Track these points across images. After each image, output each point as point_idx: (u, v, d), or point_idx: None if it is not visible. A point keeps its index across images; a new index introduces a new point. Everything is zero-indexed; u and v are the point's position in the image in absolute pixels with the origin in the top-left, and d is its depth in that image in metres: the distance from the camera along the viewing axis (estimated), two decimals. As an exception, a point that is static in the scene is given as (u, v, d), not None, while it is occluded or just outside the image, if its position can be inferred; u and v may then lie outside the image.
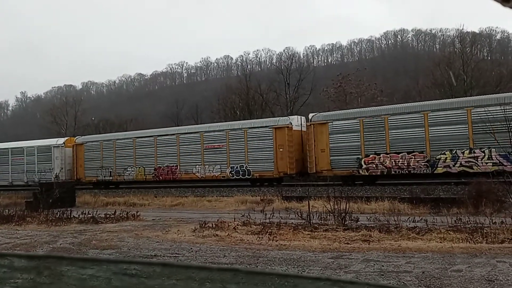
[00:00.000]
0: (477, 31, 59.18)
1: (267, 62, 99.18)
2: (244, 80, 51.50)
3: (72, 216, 15.23)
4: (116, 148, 28.89)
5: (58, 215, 15.45)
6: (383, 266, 7.37)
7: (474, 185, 15.30)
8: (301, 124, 24.31)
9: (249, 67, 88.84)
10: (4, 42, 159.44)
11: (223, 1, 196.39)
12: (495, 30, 78.96)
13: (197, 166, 25.49)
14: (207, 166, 25.12)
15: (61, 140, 32.00)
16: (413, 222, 11.60)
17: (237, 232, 11.10)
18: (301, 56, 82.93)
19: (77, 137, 32.54)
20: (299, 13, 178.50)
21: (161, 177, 26.91)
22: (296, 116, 25.96)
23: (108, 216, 15.01)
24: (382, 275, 6.81)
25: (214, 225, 11.82)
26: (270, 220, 12.39)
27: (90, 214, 15.22)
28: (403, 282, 6.41)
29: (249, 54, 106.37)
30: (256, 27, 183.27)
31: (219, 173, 24.74)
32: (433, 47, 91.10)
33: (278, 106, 48.44)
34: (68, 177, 29.85)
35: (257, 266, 7.71)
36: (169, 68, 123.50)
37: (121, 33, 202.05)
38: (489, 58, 61.22)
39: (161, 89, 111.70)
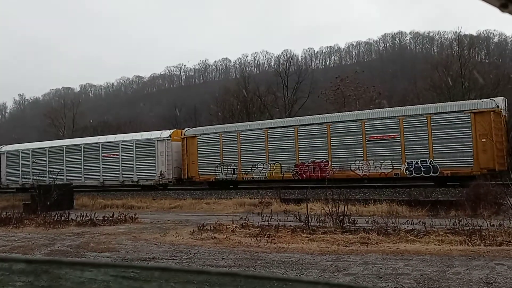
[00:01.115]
0: (475, 34, 59.33)
1: (266, 65, 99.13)
2: (242, 82, 51.51)
3: (70, 219, 15.19)
4: (242, 141, 24.51)
5: (56, 217, 15.42)
6: (381, 268, 7.37)
7: (472, 187, 15.32)
8: (505, 107, 19.61)
9: (247, 69, 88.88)
10: (1, 45, 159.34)
11: (222, 4, 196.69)
12: (493, 33, 79.18)
13: (357, 162, 21.24)
14: (372, 162, 20.84)
15: (166, 133, 27.51)
16: (411, 224, 11.60)
17: (235, 234, 11.09)
18: (300, 58, 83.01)
19: (187, 128, 27.91)
20: (298, 16, 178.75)
21: (304, 175, 22.64)
22: (501, 97, 20.81)
23: (106, 218, 14.99)
24: (381, 277, 6.81)
25: (212, 228, 11.81)
26: (269, 222, 12.40)
27: (88, 216, 15.19)
28: (402, 285, 6.41)
29: (247, 56, 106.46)
30: (254, 30, 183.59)
31: (390, 170, 20.60)
32: (431, 49, 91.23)
33: (276, 108, 48.44)
34: (175, 175, 26.60)
35: (255, 269, 7.70)
36: (167, 71, 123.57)
37: (119, 35, 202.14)
38: (486, 60, 61.30)
39: (159, 92, 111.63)
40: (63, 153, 30.74)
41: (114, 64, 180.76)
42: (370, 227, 11.07)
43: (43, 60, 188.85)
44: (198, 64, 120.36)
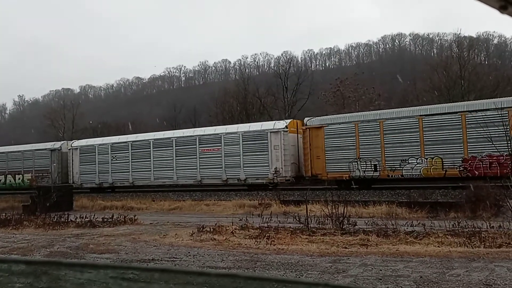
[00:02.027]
0: (475, 36, 59.41)
1: (265, 66, 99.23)
2: (242, 84, 51.56)
3: (69, 220, 15.18)
4: (385, 131, 20.59)
5: (56, 219, 15.41)
6: (381, 270, 7.36)
7: (472, 189, 15.32)
8: None
9: (247, 71, 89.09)
10: (1, 46, 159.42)
11: (221, 5, 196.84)
12: (492, 35, 79.30)
13: None
14: None
15: (281, 124, 24.11)
16: (411, 226, 11.60)
17: (235, 236, 11.09)
18: (299, 60, 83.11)
19: (309, 118, 23.86)
20: (298, 17, 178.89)
21: (476, 172, 18.66)
22: None
23: (105, 220, 14.98)
24: (380, 279, 6.81)
25: (212, 229, 11.80)
26: (268, 224, 12.39)
27: (87, 218, 15.18)
28: (401, 287, 6.40)
29: (247, 58, 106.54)
30: (254, 31, 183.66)
31: None
32: (430, 51, 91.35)
33: (276, 110, 48.48)
34: (293, 173, 23.25)
35: (254, 271, 7.69)
36: (167, 72, 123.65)
37: (119, 37, 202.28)
38: (486, 62, 61.39)
39: (159, 93, 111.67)
40: (149, 148, 27.04)
41: (114, 65, 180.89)
42: (370, 229, 11.07)
43: (42, 61, 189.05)
44: (198, 65, 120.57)
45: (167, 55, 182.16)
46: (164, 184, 26.78)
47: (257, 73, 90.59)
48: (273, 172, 22.98)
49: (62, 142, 32.27)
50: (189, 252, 9.47)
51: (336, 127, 21.93)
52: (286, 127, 23.36)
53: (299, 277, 7.12)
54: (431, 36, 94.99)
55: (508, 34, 78.39)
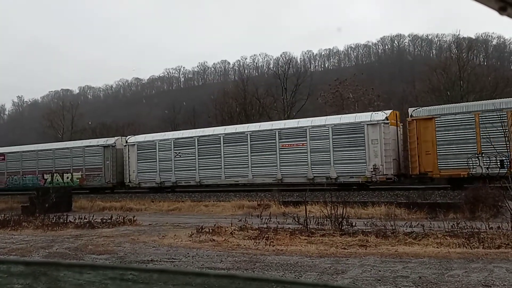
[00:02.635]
0: (474, 37, 59.47)
1: (264, 67, 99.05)
2: (241, 84, 51.57)
3: (68, 221, 15.18)
4: None
5: (54, 220, 15.42)
6: (380, 271, 7.37)
7: (471, 190, 15.34)
8: None
9: (246, 71, 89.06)
10: (0, 47, 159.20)
11: (221, 6, 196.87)
12: (491, 36, 79.16)
13: None
14: None
15: (379, 115, 21.33)
16: (410, 227, 11.62)
17: (234, 237, 11.09)
18: (298, 61, 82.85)
19: (415, 108, 21.17)
20: (297, 18, 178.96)
21: None
22: None
23: (104, 221, 14.98)
24: (379, 280, 6.81)
25: (211, 230, 11.81)
26: (267, 225, 12.39)
27: (86, 219, 15.18)
28: None
29: (246, 59, 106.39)
30: (253, 32, 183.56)
31: None
32: (429, 52, 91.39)
33: (275, 111, 48.49)
34: (394, 170, 20.67)
35: (254, 271, 7.69)
36: (166, 73, 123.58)
37: (119, 38, 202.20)
38: (485, 63, 61.44)
39: (158, 94, 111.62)
40: (219, 144, 24.57)
41: (113, 66, 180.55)
42: (369, 230, 11.08)
43: (41, 62, 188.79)
44: (197, 66, 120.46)
45: (166, 56, 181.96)
46: (237, 183, 24.42)
47: (256, 74, 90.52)
48: (371, 170, 20.50)
49: (117, 138, 29.77)
50: (188, 253, 9.46)
51: (450, 118, 19.47)
52: (387, 118, 20.83)
53: (298, 278, 7.12)
54: (430, 37, 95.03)
55: (507, 35, 78.36)
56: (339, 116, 23.54)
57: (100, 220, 15.03)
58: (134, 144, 27.65)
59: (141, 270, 0.88)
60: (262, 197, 20.55)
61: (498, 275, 6.87)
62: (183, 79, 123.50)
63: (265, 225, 12.29)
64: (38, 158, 31.43)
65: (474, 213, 13.78)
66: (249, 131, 24.01)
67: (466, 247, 8.93)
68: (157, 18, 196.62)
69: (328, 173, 21.60)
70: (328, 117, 23.97)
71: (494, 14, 0.95)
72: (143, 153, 27.18)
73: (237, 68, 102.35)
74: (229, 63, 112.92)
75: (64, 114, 62.19)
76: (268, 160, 23.09)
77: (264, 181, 23.45)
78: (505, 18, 0.95)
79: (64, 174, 30.05)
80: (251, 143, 23.57)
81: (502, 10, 0.93)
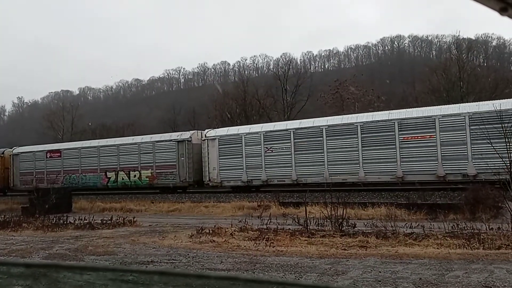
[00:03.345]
0: (473, 38, 59.58)
1: (264, 68, 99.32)
2: (241, 85, 51.59)
3: (68, 222, 15.19)
4: None
5: (54, 221, 15.42)
6: (380, 272, 7.36)
7: (471, 191, 15.33)
8: None
9: (246, 72, 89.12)
10: (0, 47, 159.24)
11: (220, 7, 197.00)
12: (491, 37, 79.31)
13: None
14: None
15: None
16: (410, 228, 11.61)
17: (234, 238, 11.08)
18: (298, 62, 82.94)
19: None
20: (297, 19, 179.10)
21: None
22: None
23: (104, 222, 14.98)
24: (379, 281, 6.80)
25: (211, 231, 11.80)
26: (267, 226, 12.39)
27: (86, 220, 15.18)
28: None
29: (246, 60, 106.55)
30: (253, 33, 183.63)
31: None
32: (429, 53, 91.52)
33: (275, 111, 48.53)
34: None
35: (254, 272, 7.69)
36: (166, 74, 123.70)
37: (118, 38, 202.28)
38: (485, 64, 61.49)
39: (158, 95, 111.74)
40: (321, 137, 21.66)
41: (113, 67, 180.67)
42: (369, 231, 11.07)
43: (42, 63, 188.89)
44: (197, 67, 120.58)
45: (166, 57, 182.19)
46: (345, 182, 21.08)
47: (256, 75, 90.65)
48: None
49: (193, 132, 27.11)
50: (188, 254, 9.46)
51: None
52: None
53: (298, 279, 7.11)
54: (430, 38, 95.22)
55: (506, 36, 78.47)
56: (476, 103, 20.30)
57: (100, 221, 15.02)
58: (215, 138, 24.74)
59: (141, 272, 0.88)
60: (262, 198, 20.55)
61: (498, 276, 6.87)
62: (183, 80, 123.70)
63: (265, 226, 12.29)
64: (100, 155, 28.57)
65: (474, 214, 13.77)
66: (359, 122, 21.02)
67: (466, 248, 8.92)
68: (157, 19, 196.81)
69: (466, 169, 18.53)
70: (461, 105, 21.07)
71: (494, 15, 0.95)
72: (225, 148, 24.28)
73: (237, 69, 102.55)
74: (229, 64, 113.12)
75: (64, 115, 62.24)
76: (385, 155, 20.14)
77: (380, 179, 20.44)
78: (505, 19, 0.95)
79: (131, 172, 27.25)
80: (362, 135, 20.60)
81: (503, 11, 0.93)
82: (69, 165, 29.76)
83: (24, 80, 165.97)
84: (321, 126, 21.85)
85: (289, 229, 11.64)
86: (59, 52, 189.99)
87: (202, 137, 25.49)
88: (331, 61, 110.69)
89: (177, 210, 20.76)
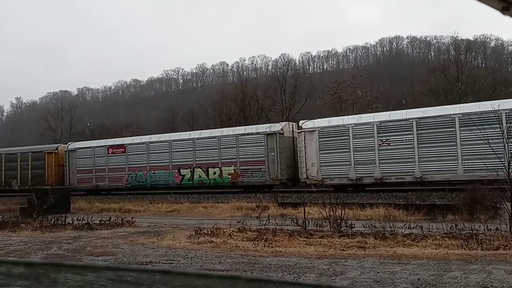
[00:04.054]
0: (472, 39, 59.63)
1: (263, 69, 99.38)
2: (240, 86, 51.59)
3: (66, 223, 15.17)
4: None
5: (53, 221, 15.38)
6: (378, 273, 7.37)
7: (469, 191, 15.34)
8: None
9: (245, 73, 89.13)
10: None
11: (219, 8, 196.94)
12: (490, 38, 79.52)
13: None
14: None
15: None
16: (408, 228, 11.62)
17: (232, 238, 11.08)
18: (297, 62, 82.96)
19: None
20: (295, 20, 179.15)
21: None
22: None
23: (103, 222, 14.95)
24: (378, 282, 6.81)
25: (209, 232, 11.80)
26: (266, 226, 12.38)
27: (84, 220, 15.16)
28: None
29: (245, 60, 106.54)
30: (252, 34, 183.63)
31: None
32: (428, 54, 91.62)
33: (274, 112, 48.53)
34: None
35: (252, 273, 7.68)
36: (165, 74, 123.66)
37: (116, 39, 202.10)
38: (483, 65, 61.60)
39: (156, 95, 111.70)
40: (453, 127, 18.79)
41: (111, 68, 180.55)
42: (367, 231, 11.08)
43: (40, 64, 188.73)
44: (196, 67, 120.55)
45: (165, 58, 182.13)
46: (482, 179, 16.19)
47: (255, 75, 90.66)
48: None
49: (284, 123, 24.33)
50: (186, 255, 9.46)
51: None
52: None
53: (297, 279, 7.11)
54: (428, 39, 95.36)
55: (505, 37, 78.67)
56: None
57: (98, 222, 15.00)
58: (314, 130, 21.72)
59: (142, 271, 0.88)
60: (260, 199, 20.56)
61: (496, 276, 6.88)
62: (181, 80, 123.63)
63: (263, 227, 12.28)
64: (171, 150, 25.73)
65: (473, 214, 13.79)
66: (504, 110, 17.57)
67: (464, 249, 8.93)
68: (156, 20, 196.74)
69: None
70: None
71: (496, 14, 0.95)
72: (327, 141, 21.28)
73: (235, 69, 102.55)
74: (227, 64, 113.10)
75: (62, 116, 62.18)
76: None
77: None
78: (507, 18, 0.95)
79: (210, 169, 24.48)
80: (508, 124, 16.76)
81: (505, 10, 0.93)
82: (135, 162, 26.92)
83: (22, 80, 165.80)
84: (453, 114, 18.99)
85: (288, 229, 11.64)
86: (57, 53, 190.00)
87: (294, 129, 23.36)
88: (330, 62, 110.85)
89: (175, 211, 20.74)
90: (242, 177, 23.57)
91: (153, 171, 26.22)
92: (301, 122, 23.06)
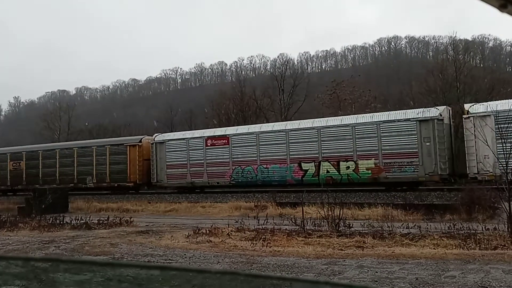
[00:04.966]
0: (470, 39, 59.78)
1: (261, 68, 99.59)
2: (238, 86, 51.55)
3: (64, 222, 15.15)
4: None
5: (51, 221, 15.36)
6: (376, 272, 7.37)
7: (467, 191, 15.36)
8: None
9: (243, 73, 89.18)
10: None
11: (218, 8, 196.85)
12: (488, 38, 79.79)
13: None
14: None
15: None
16: (406, 228, 11.63)
17: (231, 238, 11.08)
18: (295, 62, 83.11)
19: None
20: (294, 20, 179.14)
21: None
22: None
23: (101, 222, 14.95)
24: (376, 281, 6.81)
25: (207, 231, 11.80)
26: (264, 226, 12.39)
27: (83, 220, 15.15)
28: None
29: (243, 60, 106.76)
30: (250, 33, 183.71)
31: None
32: (426, 54, 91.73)
33: (272, 112, 48.49)
34: None
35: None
36: (163, 74, 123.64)
37: (115, 39, 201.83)
38: (481, 65, 61.68)
39: (155, 95, 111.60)
40: None
41: (110, 67, 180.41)
42: (366, 231, 11.09)
43: (39, 63, 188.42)
44: (194, 67, 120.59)
45: (163, 57, 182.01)
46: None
47: (253, 75, 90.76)
48: None
49: (442, 107, 20.58)
50: (185, 254, 9.45)
51: None
52: None
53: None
54: (426, 39, 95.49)
55: (503, 37, 78.91)
56: None
57: (96, 221, 14.99)
58: (488, 115, 18.15)
59: (141, 266, 0.88)
60: (259, 198, 20.55)
61: (494, 276, 6.89)
62: (180, 80, 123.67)
63: (262, 227, 12.29)
64: (289, 141, 22.21)
65: (471, 214, 13.80)
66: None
67: (462, 248, 8.94)
68: (155, 20, 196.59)
69: None
70: None
71: (493, 12, 0.95)
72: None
73: (234, 69, 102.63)
74: (226, 64, 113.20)
75: (60, 115, 61.99)
76: None
77: None
78: (505, 16, 0.95)
79: (341, 163, 21.00)
80: None
81: (502, 8, 0.93)
82: (242, 155, 23.40)
83: (20, 79, 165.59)
84: None
85: (286, 229, 11.65)
86: (56, 52, 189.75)
87: (451, 115, 20.27)
88: (328, 61, 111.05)
89: (174, 210, 20.73)
90: (386, 172, 20.06)
91: (264, 166, 22.72)
92: (467, 105, 19.59)
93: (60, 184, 26.99)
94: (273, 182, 22.43)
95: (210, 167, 24.20)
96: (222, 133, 24.74)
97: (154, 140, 26.45)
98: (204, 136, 24.88)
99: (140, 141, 27.16)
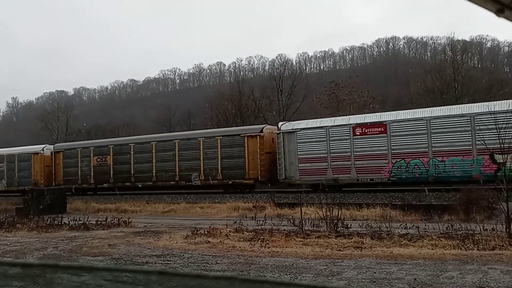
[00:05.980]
0: (468, 39, 59.82)
1: (260, 69, 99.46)
2: (236, 86, 51.54)
3: (63, 223, 15.13)
4: None
5: (49, 221, 15.34)
6: (375, 273, 7.38)
7: (465, 192, 15.38)
8: None
9: (241, 73, 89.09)
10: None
11: (216, 8, 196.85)
12: (486, 38, 79.86)
13: None
14: None
15: None
16: (405, 229, 11.64)
17: (229, 239, 11.07)
18: (294, 63, 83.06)
19: None
20: (293, 20, 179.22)
21: None
22: None
23: (99, 222, 14.93)
24: (374, 282, 6.82)
25: (206, 232, 11.79)
26: (262, 227, 12.39)
27: (81, 220, 15.13)
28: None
29: (241, 60, 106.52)
30: (248, 34, 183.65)
31: None
32: (424, 54, 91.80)
33: (271, 112, 48.50)
34: None
35: (249, 273, 7.68)
36: (161, 74, 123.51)
37: (114, 40, 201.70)
38: (479, 66, 61.76)
39: (153, 95, 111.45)
40: None
41: (108, 68, 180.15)
42: (364, 232, 11.09)
43: (36, 63, 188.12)
44: (193, 68, 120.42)
45: (162, 58, 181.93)
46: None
47: (252, 75, 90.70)
48: None
49: None
50: (183, 255, 9.44)
51: None
52: None
53: (293, 279, 7.11)
54: (425, 39, 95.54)
55: (501, 38, 79.04)
56: None
57: (95, 222, 14.98)
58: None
59: (139, 271, 0.88)
60: (257, 199, 20.54)
61: (492, 276, 6.89)
62: (178, 80, 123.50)
63: (260, 227, 12.29)
64: (474, 127, 17.89)
65: (469, 215, 13.82)
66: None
67: (460, 249, 8.95)
68: (153, 20, 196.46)
69: None
70: None
71: (491, 16, 0.95)
72: None
73: (232, 70, 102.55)
74: (224, 64, 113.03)
75: (59, 116, 61.90)
76: None
77: None
78: (502, 20, 0.95)
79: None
80: None
81: (499, 12, 0.94)
82: (405, 146, 19.58)
83: (18, 80, 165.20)
84: None
85: (284, 230, 11.64)
86: (54, 53, 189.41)
87: None
88: (327, 62, 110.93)
89: (172, 211, 20.71)
90: None
91: (439, 158, 18.86)
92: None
93: (157, 182, 25.06)
94: (453, 178, 18.56)
95: (359, 160, 20.41)
96: (377, 120, 20.71)
97: (280, 130, 22.49)
98: (350, 124, 21.02)
99: (261, 131, 23.28)
